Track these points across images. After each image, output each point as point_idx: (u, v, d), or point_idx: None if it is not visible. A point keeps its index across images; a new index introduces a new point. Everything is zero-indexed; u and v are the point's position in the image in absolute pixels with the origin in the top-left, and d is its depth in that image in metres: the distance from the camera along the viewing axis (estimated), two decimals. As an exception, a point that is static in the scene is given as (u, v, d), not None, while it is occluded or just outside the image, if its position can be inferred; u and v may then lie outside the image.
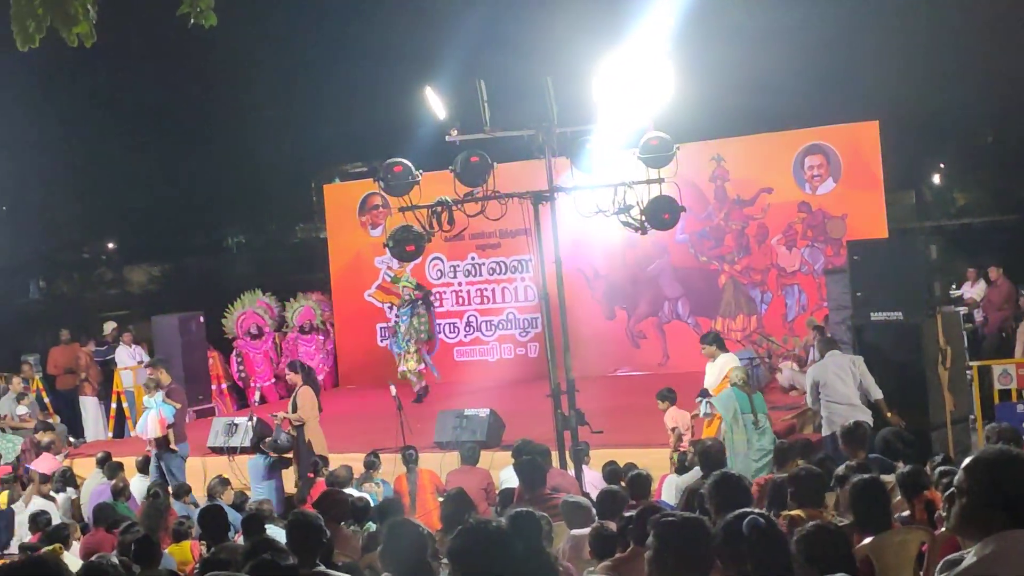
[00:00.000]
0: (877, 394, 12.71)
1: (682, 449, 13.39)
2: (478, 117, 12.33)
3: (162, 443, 15.27)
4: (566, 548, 8.19)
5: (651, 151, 11.81)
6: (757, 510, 4.35)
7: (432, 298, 21.50)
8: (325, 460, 14.08)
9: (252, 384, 22.39)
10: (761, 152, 20.93)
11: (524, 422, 14.98)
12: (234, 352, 22.78)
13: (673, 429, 13.91)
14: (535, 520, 6.60)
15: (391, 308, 23.14)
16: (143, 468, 15.07)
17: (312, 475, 13.77)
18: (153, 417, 15.19)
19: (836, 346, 13.27)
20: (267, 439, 14.96)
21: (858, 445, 9.80)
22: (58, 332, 22.90)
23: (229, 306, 23.14)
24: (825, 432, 13.02)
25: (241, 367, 22.76)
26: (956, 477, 4.04)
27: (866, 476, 7.01)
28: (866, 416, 12.35)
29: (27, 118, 35.17)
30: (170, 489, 13.71)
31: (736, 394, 13.06)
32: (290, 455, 14.65)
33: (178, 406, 15.60)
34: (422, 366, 20.42)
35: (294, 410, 14.65)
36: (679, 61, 12.45)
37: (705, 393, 13.81)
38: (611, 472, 11.79)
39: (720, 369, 13.77)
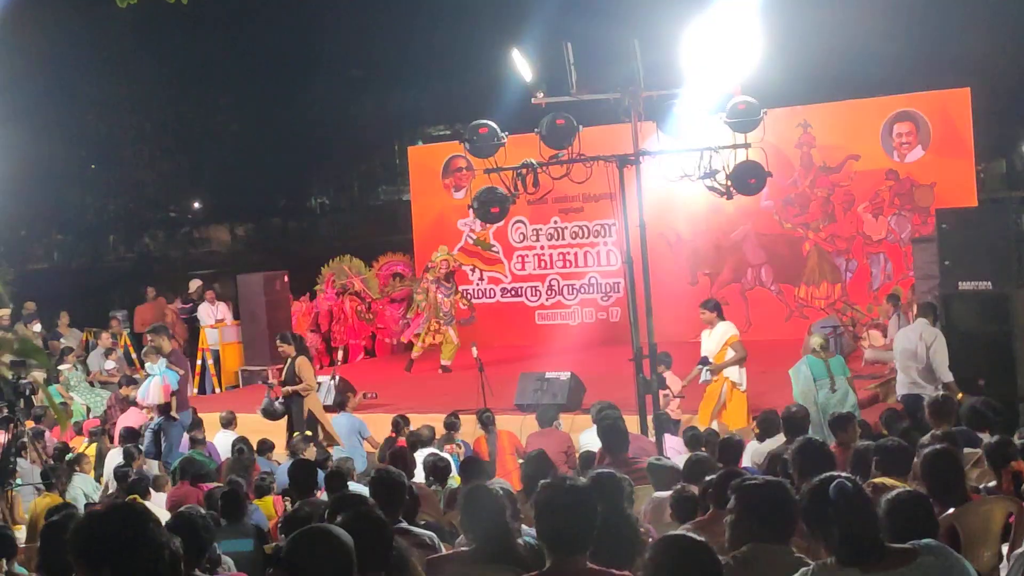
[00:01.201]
0: (946, 376, 12.57)
1: (671, 414, 13.58)
2: (564, 80, 12.31)
3: (164, 410, 15.01)
4: (647, 510, 8.21)
5: (738, 115, 11.71)
6: (844, 474, 4.32)
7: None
8: (406, 420, 14.18)
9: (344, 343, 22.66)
10: (849, 119, 20.70)
11: (605, 386, 14.98)
12: (320, 301, 22.90)
13: (665, 394, 14.00)
14: (617, 481, 6.61)
15: (473, 271, 23.28)
16: (227, 423, 15.25)
17: (394, 434, 13.89)
18: (156, 384, 14.94)
19: (929, 314, 13.11)
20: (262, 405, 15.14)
21: (943, 418, 9.70)
22: (145, 290, 23.24)
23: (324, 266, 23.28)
24: (900, 392, 13.09)
25: (327, 322, 22.91)
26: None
27: (938, 447, 6.94)
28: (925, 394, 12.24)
29: (117, 77, 35.69)
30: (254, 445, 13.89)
31: (810, 362, 13.03)
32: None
33: (181, 372, 15.43)
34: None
35: (289, 380, 14.82)
36: (767, 25, 12.33)
37: (705, 360, 13.79)
38: (692, 438, 11.75)
39: (720, 337, 13.75)
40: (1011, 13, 29.37)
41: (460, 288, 21.25)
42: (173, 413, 14.93)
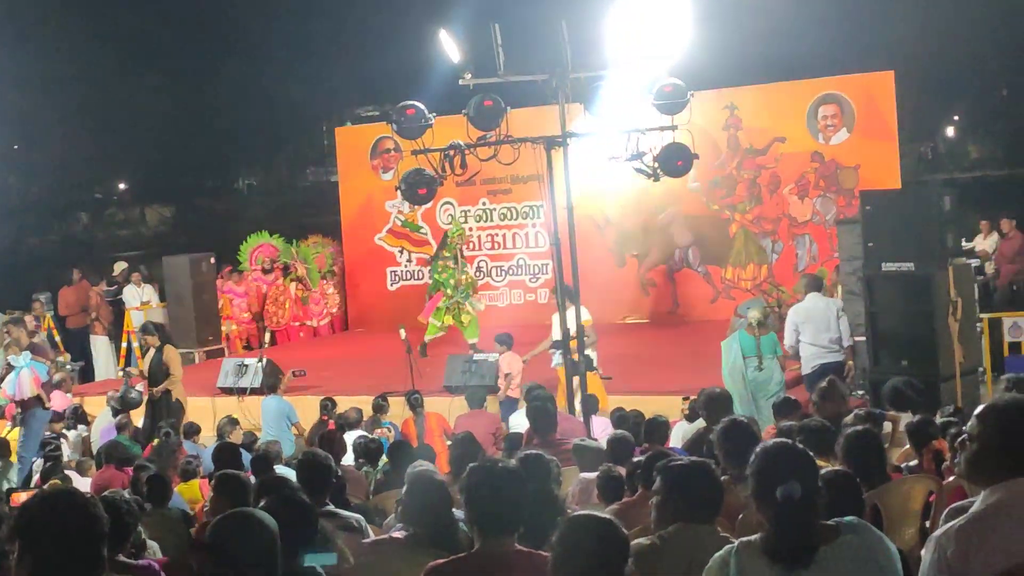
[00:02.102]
0: (849, 341, 13.23)
1: (511, 395, 13.89)
2: (492, 61, 12.27)
3: (32, 401, 14.54)
4: (575, 491, 8.24)
5: (665, 98, 11.73)
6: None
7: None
8: (334, 402, 14.14)
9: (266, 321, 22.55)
10: (775, 101, 20.86)
11: (533, 368, 15.01)
12: (247, 282, 22.78)
13: (507, 375, 14.36)
14: (545, 463, 6.63)
15: (401, 252, 23.25)
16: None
17: (326, 417, 13.84)
18: (26, 375, 14.52)
19: (818, 288, 13.59)
20: (113, 394, 14.99)
21: (833, 401, 9.81)
22: (69, 272, 22.96)
23: (243, 244, 23.23)
24: (805, 371, 13.36)
25: (256, 303, 22.81)
26: (968, 424, 4.07)
27: (860, 428, 7.02)
28: (839, 359, 13.19)
29: (40, 55, 35.11)
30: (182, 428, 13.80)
31: (741, 338, 13.13)
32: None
33: (47, 363, 15.34)
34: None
35: (155, 370, 14.73)
36: (695, 7, 12.38)
37: (558, 344, 13.91)
38: (619, 418, 11.83)
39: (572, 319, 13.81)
40: (934, -2, 29.77)
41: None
42: (47, 404, 14.69)
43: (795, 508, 4.01)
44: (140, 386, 15.05)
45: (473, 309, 19.10)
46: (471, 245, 22.75)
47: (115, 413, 14.67)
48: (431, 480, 5.93)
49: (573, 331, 13.45)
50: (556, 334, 13.99)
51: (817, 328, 13.29)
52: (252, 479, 8.92)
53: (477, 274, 22.56)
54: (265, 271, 22.77)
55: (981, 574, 3.65)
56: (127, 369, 15.51)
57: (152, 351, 14.92)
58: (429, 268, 20.10)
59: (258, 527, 4.03)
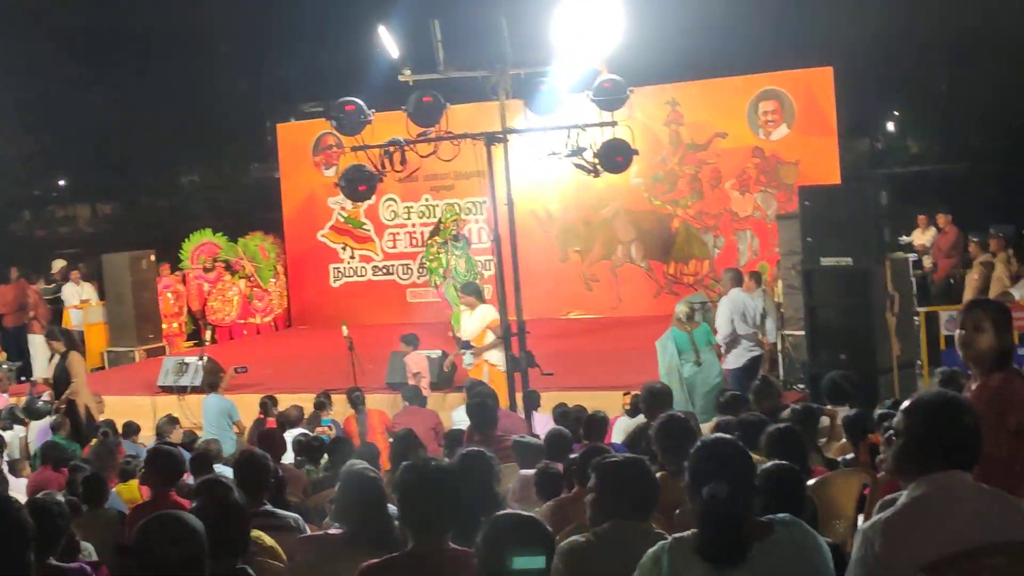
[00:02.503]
0: (772, 337, 13.75)
1: (424, 393, 13.93)
2: (432, 57, 12.26)
3: None
4: (515, 488, 8.23)
5: (604, 94, 11.78)
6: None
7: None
8: (275, 400, 14.06)
9: (208, 317, 22.46)
10: (716, 97, 20.96)
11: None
12: (187, 282, 22.72)
13: (416, 374, 14.56)
14: (485, 460, 6.61)
15: (344, 249, 23.18)
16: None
17: (262, 416, 13.76)
18: None
19: (741, 282, 14.05)
20: (17, 406, 14.87)
21: (770, 399, 9.88)
22: (7, 270, 22.71)
23: (185, 241, 23.14)
24: (731, 366, 13.67)
25: (197, 300, 22.74)
26: (895, 419, 4.10)
27: (781, 426, 7.08)
28: (759, 352, 13.74)
29: (-28, 49, 34.60)
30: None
31: (674, 335, 13.20)
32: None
33: None
34: None
35: (60, 377, 14.52)
36: (634, 4, 12.42)
37: (467, 345, 14.05)
38: (561, 414, 11.85)
39: (480, 319, 13.96)
40: (874, -7, 30.00)
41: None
42: None
43: (721, 507, 4.02)
44: (47, 394, 14.88)
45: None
46: (414, 241, 22.73)
47: (22, 422, 14.57)
48: (364, 477, 5.90)
49: (476, 332, 13.55)
50: (465, 334, 14.08)
51: (746, 321, 13.57)
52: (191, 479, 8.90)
53: (420, 270, 22.55)
54: (206, 269, 22.65)
55: (907, 567, 3.68)
56: (32, 378, 15.29)
57: (57, 357, 14.73)
58: (421, 256, 19.78)
59: (184, 530, 3.99)
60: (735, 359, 13.76)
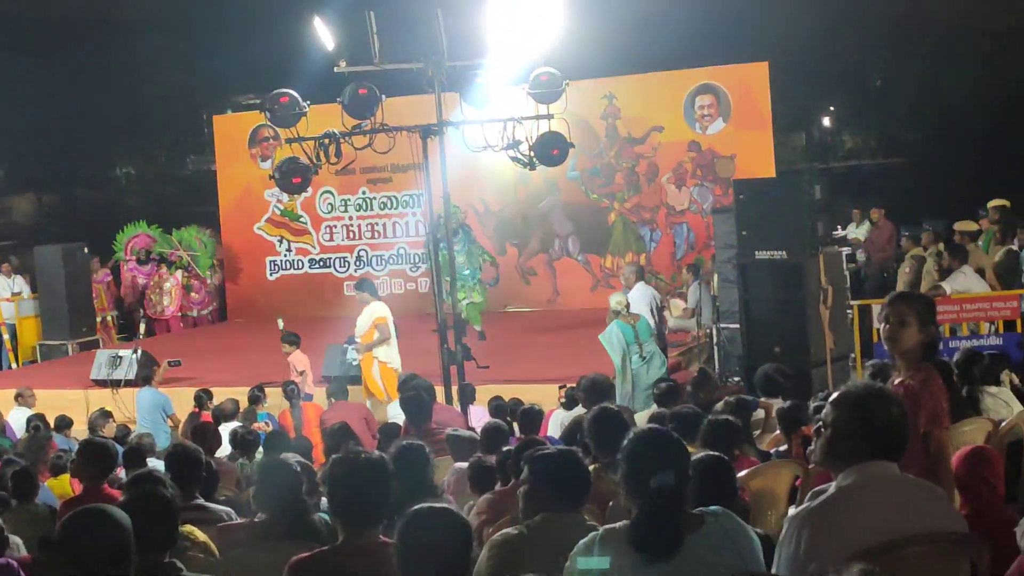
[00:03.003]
0: (663, 331, 14.12)
1: (306, 391, 14.06)
2: (367, 49, 12.21)
3: None
4: (450, 481, 8.22)
5: (541, 86, 11.79)
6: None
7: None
8: (210, 394, 13.96)
9: (143, 312, 22.32)
10: (653, 91, 21.03)
11: (412, 357, 14.96)
12: (123, 272, 22.57)
13: (302, 372, 14.60)
14: (421, 452, 6.60)
15: (281, 242, 23.08)
16: (23, 400, 14.81)
17: (197, 409, 13.65)
18: None
19: (643, 276, 14.57)
20: None
21: (706, 391, 9.96)
22: (-63, 262, 22.42)
23: (119, 233, 22.99)
24: None
25: (131, 293, 22.60)
26: (823, 410, 4.14)
27: (719, 417, 7.14)
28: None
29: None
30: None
31: (620, 327, 13.21)
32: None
33: None
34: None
35: None
36: (572, -3, 12.44)
37: (351, 340, 14.15)
38: (497, 407, 11.83)
39: (368, 316, 14.00)
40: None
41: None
42: None
43: (669, 497, 4.04)
44: None
45: (481, 297, 18.26)
46: (351, 234, 22.68)
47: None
48: (282, 467, 5.88)
49: (365, 329, 13.59)
50: (357, 329, 14.13)
51: (653, 315, 13.93)
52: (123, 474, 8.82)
53: (357, 263, 22.49)
54: (140, 261, 22.49)
55: (834, 556, 3.71)
56: None
57: None
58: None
59: (109, 524, 3.95)
60: None
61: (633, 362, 13.14)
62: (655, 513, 4.03)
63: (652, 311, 14.08)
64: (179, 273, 22.63)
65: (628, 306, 13.44)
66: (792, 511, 4.06)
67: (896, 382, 5.40)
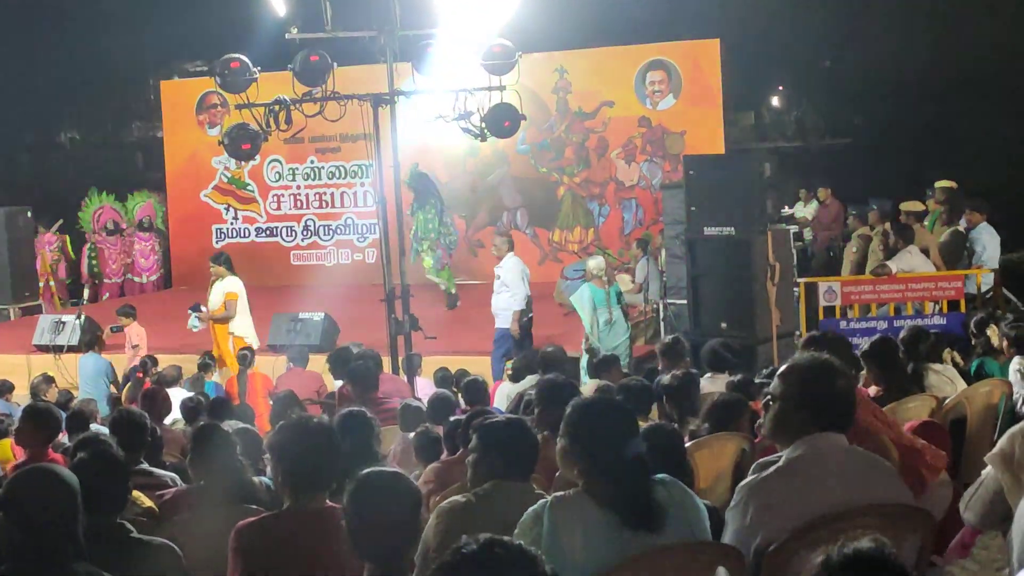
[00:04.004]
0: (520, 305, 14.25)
1: (135, 363, 14.10)
2: (319, 16, 12.12)
3: None
4: (397, 451, 8.23)
5: (493, 58, 11.74)
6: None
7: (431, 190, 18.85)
8: (154, 360, 13.88)
9: (104, 280, 22.24)
10: (604, 66, 21.05)
11: (359, 327, 14.94)
12: (87, 246, 22.47)
13: (135, 346, 14.86)
14: (365, 419, 6.59)
15: (227, 209, 22.94)
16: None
17: (141, 375, 13.56)
18: None
19: (512, 248, 14.77)
20: None
21: (677, 359, 9.99)
22: None
23: (85, 201, 22.86)
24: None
25: (95, 262, 22.48)
26: (771, 384, 4.16)
27: (732, 396, 7.24)
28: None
29: None
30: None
31: (592, 290, 13.32)
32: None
33: None
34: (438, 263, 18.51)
35: None
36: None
37: (196, 307, 14.28)
38: (443, 379, 11.85)
39: (221, 290, 14.16)
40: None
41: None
42: None
43: (643, 467, 4.05)
44: None
45: (432, 261, 18.49)
46: (299, 203, 22.60)
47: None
48: (214, 431, 5.87)
49: (217, 304, 13.67)
50: (210, 303, 14.21)
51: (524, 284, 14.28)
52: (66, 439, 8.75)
53: (304, 232, 22.42)
54: (109, 232, 22.51)
55: (782, 526, 3.74)
56: None
57: None
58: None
59: (56, 484, 3.92)
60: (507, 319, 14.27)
61: (600, 326, 13.25)
62: (636, 482, 4.04)
63: (523, 280, 14.28)
64: (119, 241, 22.64)
65: (603, 271, 13.58)
66: (741, 483, 4.08)
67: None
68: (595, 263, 13.77)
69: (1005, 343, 9.04)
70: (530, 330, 14.32)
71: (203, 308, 14.20)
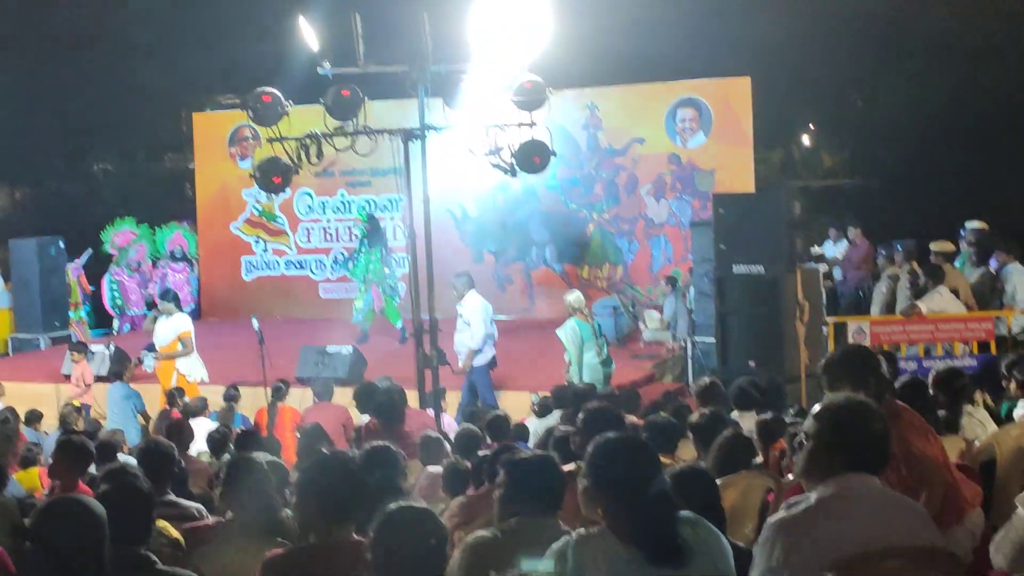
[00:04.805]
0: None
1: (86, 401, 14.44)
2: (352, 51, 12.19)
3: None
4: (422, 484, 8.21)
5: (524, 94, 11.78)
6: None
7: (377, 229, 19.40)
8: (181, 391, 13.91)
9: (128, 312, 22.32)
10: (634, 103, 21.06)
11: (386, 360, 14.95)
12: (107, 277, 22.56)
13: (89, 385, 15.09)
14: (391, 454, 6.60)
15: (257, 242, 23.03)
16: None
17: (168, 406, 13.60)
18: None
19: (473, 286, 14.55)
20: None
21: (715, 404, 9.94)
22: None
23: (106, 229, 23.00)
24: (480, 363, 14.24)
25: (117, 294, 22.57)
26: (805, 423, 4.14)
27: (738, 432, 7.18)
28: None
29: None
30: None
31: (579, 325, 13.34)
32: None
33: None
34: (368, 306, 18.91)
35: None
36: (557, 5, 12.43)
37: (151, 347, 14.37)
38: (470, 414, 11.83)
39: (173, 328, 14.27)
40: (793, 6, 30.31)
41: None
42: None
43: (667, 502, 4.04)
44: None
45: (361, 303, 18.96)
46: (329, 236, 22.68)
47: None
48: (251, 464, 5.87)
49: (168, 341, 13.71)
50: (156, 338, 14.60)
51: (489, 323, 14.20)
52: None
53: (334, 266, 22.49)
54: (133, 269, 22.72)
55: (811, 565, 3.72)
56: None
57: None
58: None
59: (84, 514, 3.93)
60: (484, 357, 14.22)
61: (588, 359, 13.29)
62: (660, 519, 4.03)
63: (484, 319, 14.20)
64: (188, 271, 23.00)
65: (584, 305, 13.62)
66: (770, 520, 4.05)
67: None
68: (574, 297, 13.86)
69: (1013, 384, 8.94)
70: (490, 370, 14.38)
71: (158, 348, 14.44)
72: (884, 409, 5.31)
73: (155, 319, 14.91)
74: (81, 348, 15.58)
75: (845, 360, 5.55)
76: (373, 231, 18.95)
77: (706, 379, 10.13)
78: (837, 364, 5.53)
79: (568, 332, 13.46)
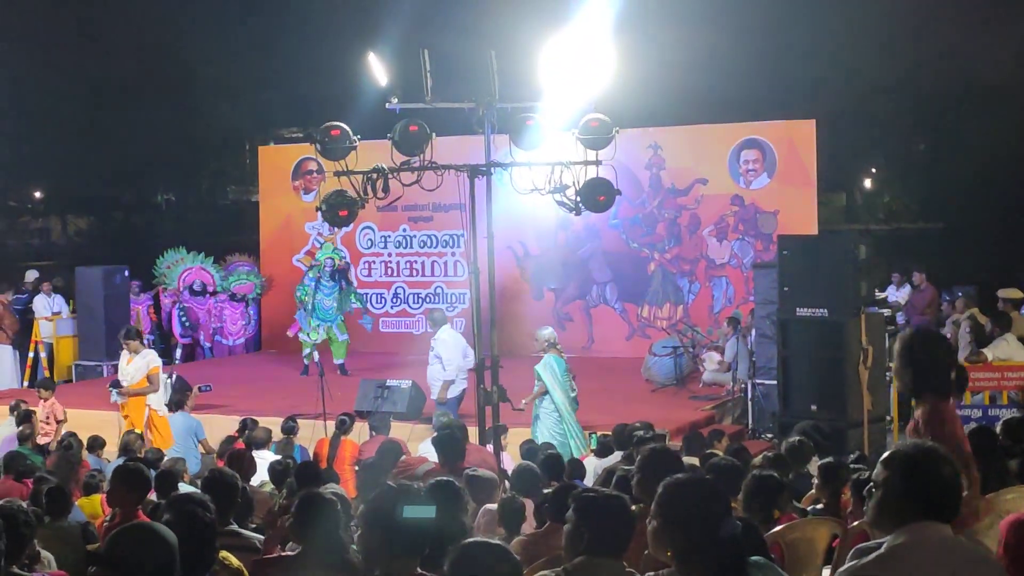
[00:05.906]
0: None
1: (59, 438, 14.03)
2: (420, 87, 12.25)
3: None
4: (481, 522, 8.18)
5: (590, 132, 11.77)
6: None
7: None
8: (255, 423, 13.93)
9: (202, 342, 22.62)
10: (698, 143, 21.06)
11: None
12: (176, 306, 22.78)
13: (60, 421, 15.00)
14: (455, 489, 6.59)
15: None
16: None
17: (237, 435, 13.66)
18: None
19: (446, 321, 15.51)
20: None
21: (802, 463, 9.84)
22: (-24, 279, 22.61)
23: (159, 258, 23.26)
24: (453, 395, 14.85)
25: (186, 320, 22.81)
26: (875, 470, 4.10)
27: (765, 473, 7.09)
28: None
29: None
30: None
31: (555, 360, 13.41)
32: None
33: None
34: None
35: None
36: (623, 46, 12.45)
37: (116, 384, 14.42)
38: (529, 451, 11.79)
39: (144, 365, 14.35)
40: (858, 50, 30.24)
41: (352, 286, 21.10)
42: None
43: (738, 547, 4.01)
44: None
45: (338, 335, 20.21)
46: (390, 270, 22.77)
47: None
48: (322, 500, 5.88)
49: (138, 377, 14.12)
50: (122, 375, 14.66)
51: (465, 356, 14.65)
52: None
53: (394, 300, 22.58)
54: (194, 293, 22.90)
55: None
56: None
57: None
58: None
59: (156, 541, 3.96)
60: (456, 389, 14.80)
61: (559, 397, 13.35)
62: (732, 562, 4.00)
63: (458, 352, 14.75)
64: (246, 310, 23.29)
65: (557, 341, 14.09)
66: (840, 569, 4.01)
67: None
68: (548, 332, 14.13)
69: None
70: (458, 402, 14.86)
71: (124, 384, 14.52)
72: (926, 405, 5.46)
73: (122, 355, 15.01)
74: (49, 385, 15.65)
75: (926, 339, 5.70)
76: (344, 270, 20.75)
77: (794, 439, 9.94)
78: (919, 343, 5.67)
79: (547, 368, 13.75)
